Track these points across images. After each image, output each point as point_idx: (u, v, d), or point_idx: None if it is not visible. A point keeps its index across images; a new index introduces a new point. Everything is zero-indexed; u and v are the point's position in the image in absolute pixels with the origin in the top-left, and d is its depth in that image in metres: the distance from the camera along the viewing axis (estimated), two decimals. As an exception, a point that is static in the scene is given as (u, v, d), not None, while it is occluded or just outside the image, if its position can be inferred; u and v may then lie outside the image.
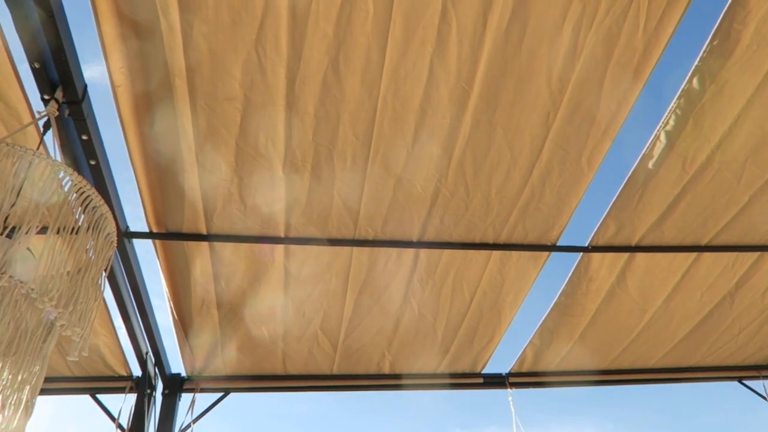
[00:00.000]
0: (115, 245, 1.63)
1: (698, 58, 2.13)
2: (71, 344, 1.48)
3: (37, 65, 1.69)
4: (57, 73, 1.73)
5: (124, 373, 3.57)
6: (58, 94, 1.75)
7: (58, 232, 1.39)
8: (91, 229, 1.49)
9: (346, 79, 2.06)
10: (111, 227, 1.56)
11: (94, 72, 1.92)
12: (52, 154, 1.76)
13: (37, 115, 1.75)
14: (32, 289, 1.32)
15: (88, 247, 1.47)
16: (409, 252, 2.92)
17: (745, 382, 4.24)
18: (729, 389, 4.24)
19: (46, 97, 1.76)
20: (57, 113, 1.74)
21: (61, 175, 1.45)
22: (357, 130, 2.25)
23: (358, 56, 1.99)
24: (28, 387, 1.41)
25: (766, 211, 2.83)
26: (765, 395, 4.15)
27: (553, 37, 2.01)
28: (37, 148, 1.61)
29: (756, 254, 3.18)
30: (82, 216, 1.50)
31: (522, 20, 1.95)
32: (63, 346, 3.21)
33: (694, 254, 3.12)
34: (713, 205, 2.77)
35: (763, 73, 2.19)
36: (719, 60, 2.13)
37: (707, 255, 3.13)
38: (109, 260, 1.61)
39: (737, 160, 2.55)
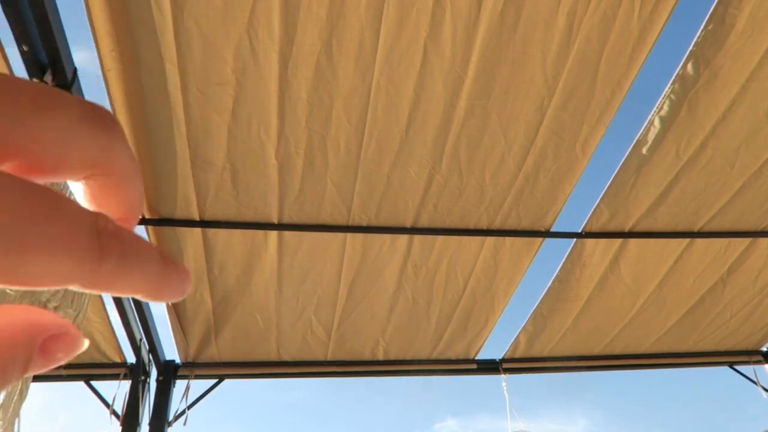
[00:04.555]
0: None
1: (693, 43, 2.13)
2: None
3: (25, 48, 1.67)
4: (46, 56, 1.71)
5: (118, 360, 3.57)
6: (48, 78, 1.73)
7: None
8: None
9: (340, 64, 2.04)
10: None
11: (83, 59, 1.90)
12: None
13: (26, 100, 1.72)
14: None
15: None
16: (403, 238, 2.92)
17: (735, 367, 4.27)
18: (720, 374, 4.28)
19: (35, 80, 1.73)
20: (46, 97, 1.71)
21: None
22: (350, 116, 2.24)
23: (351, 40, 1.97)
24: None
25: (759, 197, 2.84)
26: (755, 380, 4.20)
27: (548, 22, 2.00)
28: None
29: (748, 240, 3.19)
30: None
31: (517, 4, 1.93)
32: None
33: (686, 240, 3.13)
34: (706, 191, 2.78)
35: (758, 59, 2.19)
36: (714, 45, 2.12)
37: (699, 241, 3.15)
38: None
39: (731, 147, 2.55)
